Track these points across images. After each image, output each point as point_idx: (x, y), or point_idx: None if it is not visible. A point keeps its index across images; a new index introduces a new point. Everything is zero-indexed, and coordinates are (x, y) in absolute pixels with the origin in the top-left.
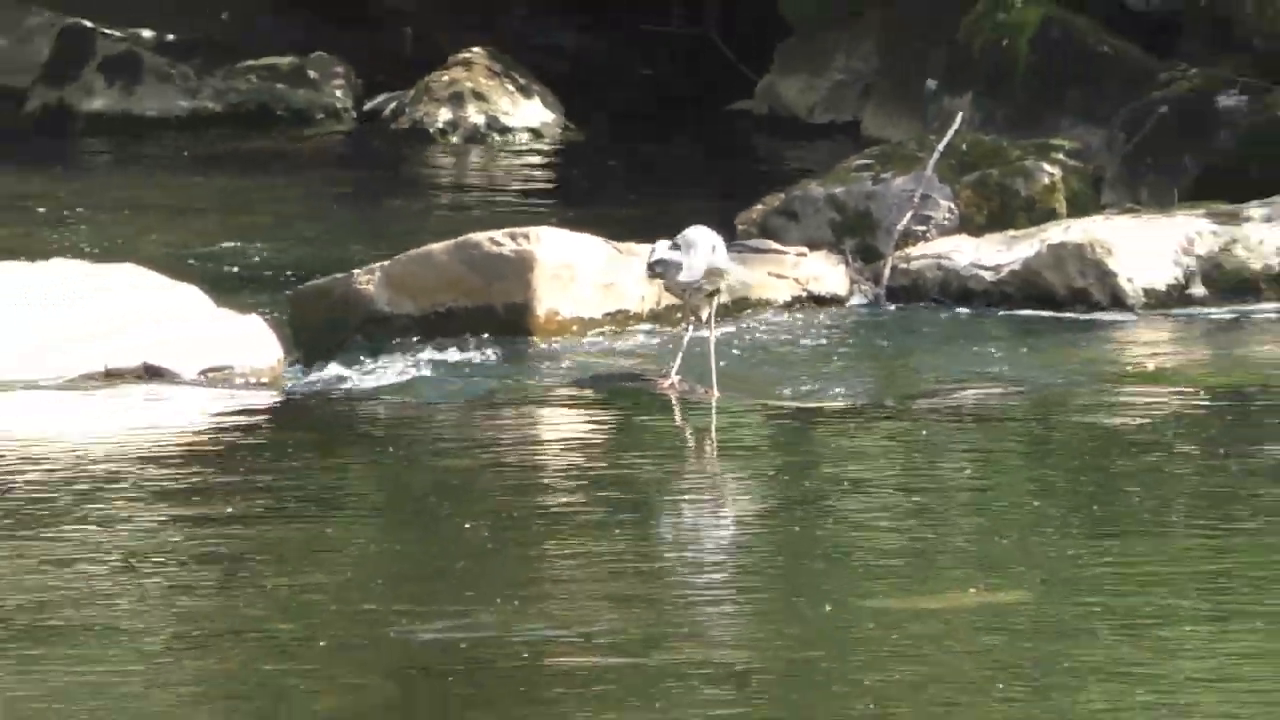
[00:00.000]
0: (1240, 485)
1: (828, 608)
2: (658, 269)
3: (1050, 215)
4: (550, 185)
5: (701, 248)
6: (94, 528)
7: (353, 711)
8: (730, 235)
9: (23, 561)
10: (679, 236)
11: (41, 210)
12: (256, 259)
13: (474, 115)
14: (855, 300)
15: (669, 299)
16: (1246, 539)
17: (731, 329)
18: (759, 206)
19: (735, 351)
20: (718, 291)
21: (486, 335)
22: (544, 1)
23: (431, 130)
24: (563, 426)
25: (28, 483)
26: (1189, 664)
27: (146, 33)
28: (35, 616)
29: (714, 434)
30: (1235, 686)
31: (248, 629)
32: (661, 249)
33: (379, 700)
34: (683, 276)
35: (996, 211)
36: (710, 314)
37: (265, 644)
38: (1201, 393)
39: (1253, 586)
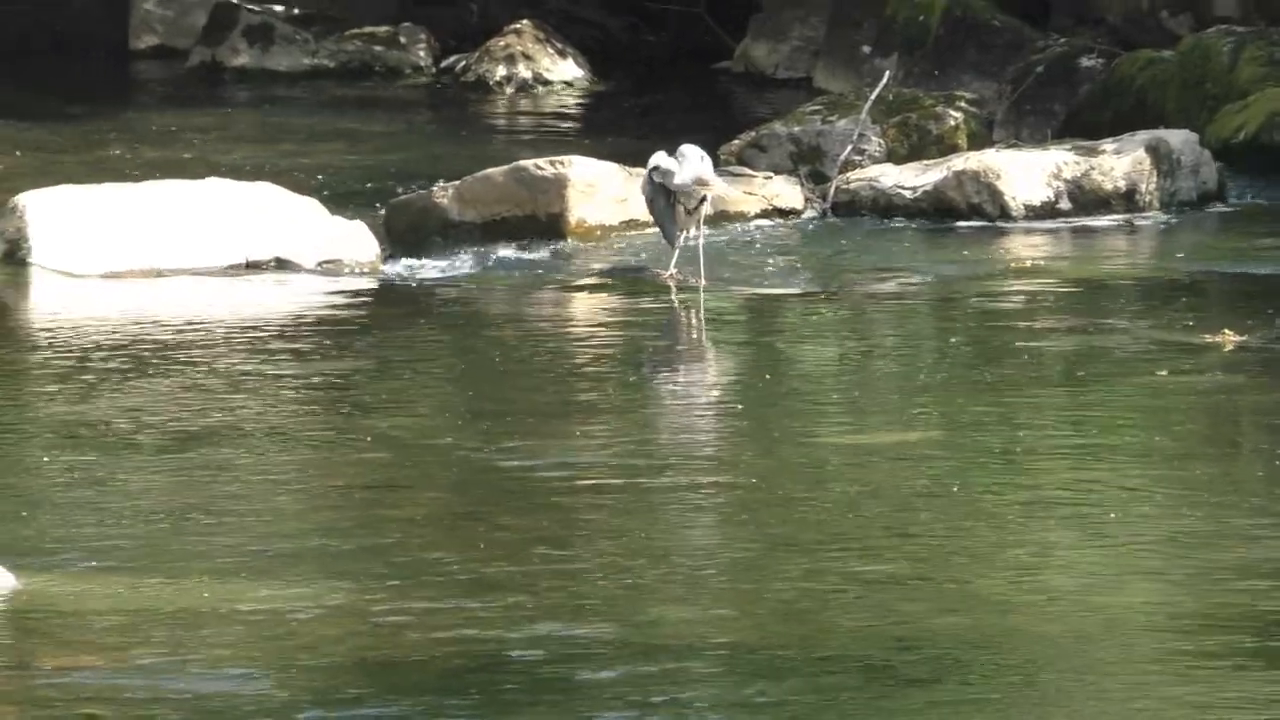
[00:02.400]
0: (1090, 348)
1: (790, 442)
2: (655, 175)
3: (954, 148)
4: (580, 125)
5: (692, 159)
6: (241, 371)
7: (425, 514)
8: (716, 162)
9: (188, 386)
10: (677, 151)
11: (200, 140)
12: (360, 178)
13: (523, 71)
14: (808, 213)
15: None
16: (1097, 387)
17: (715, 234)
18: (736, 141)
19: (718, 251)
20: (705, 201)
21: (531, 237)
22: None
23: (491, 83)
24: (589, 305)
25: (196, 337)
26: (1057, 472)
27: (279, 8)
28: (192, 425)
29: (703, 311)
30: (1085, 477)
31: (351, 454)
32: (660, 157)
33: (445, 510)
34: (678, 179)
35: (915, 145)
36: (700, 221)
37: (364, 465)
38: (1066, 281)
39: (1103, 418)
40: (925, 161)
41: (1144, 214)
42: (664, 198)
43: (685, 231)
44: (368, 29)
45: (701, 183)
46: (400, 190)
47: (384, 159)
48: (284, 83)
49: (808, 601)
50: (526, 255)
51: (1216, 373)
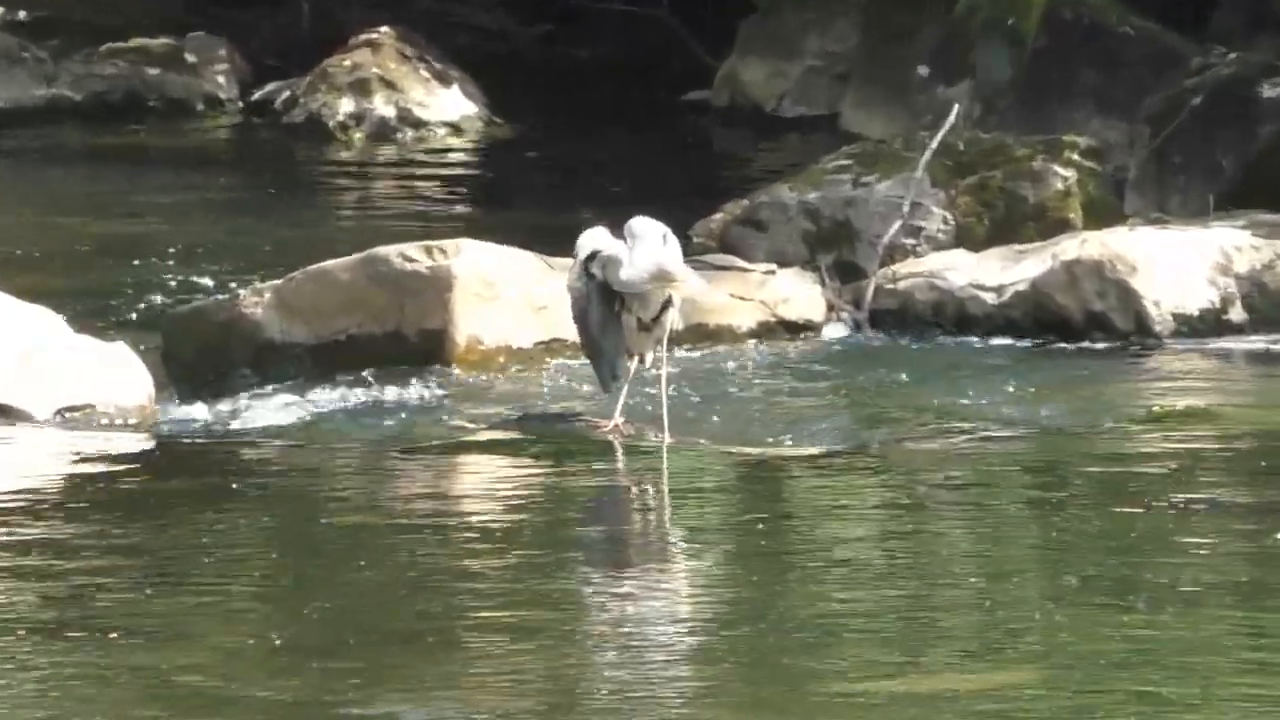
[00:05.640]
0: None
1: (803, 691)
2: (592, 267)
3: (1063, 226)
4: (472, 190)
5: (648, 241)
6: None
7: None
8: (686, 247)
9: None
10: (625, 229)
11: None
12: (123, 277)
13: (381, 107)
14: (832, 328)
15: None
16: None
17: (688, 362)
18: (719, 215)
19: (691, 389)
20: (669, 307)
21: (395, 367)
22: None
23: (331, 124)
24: (485, 478)
25: None
26: None
27: None
28: None
29: (665, 487)
30: None
31: (115, 713)
32: (598, 237)
33: None
34: (626, 273)
35: (1001, 222)
36: (662, 340)
37: None
38: (1241, 436)
39: None
40: (1017, 247)
41: None
42: (605, 303)
43: (638, 358)
44: (137, 41)
45: (664, 277)
46: (188, 296)
47: (162, 245)
48: (7, 124)
49: None
50: (386, 395)
51: None
